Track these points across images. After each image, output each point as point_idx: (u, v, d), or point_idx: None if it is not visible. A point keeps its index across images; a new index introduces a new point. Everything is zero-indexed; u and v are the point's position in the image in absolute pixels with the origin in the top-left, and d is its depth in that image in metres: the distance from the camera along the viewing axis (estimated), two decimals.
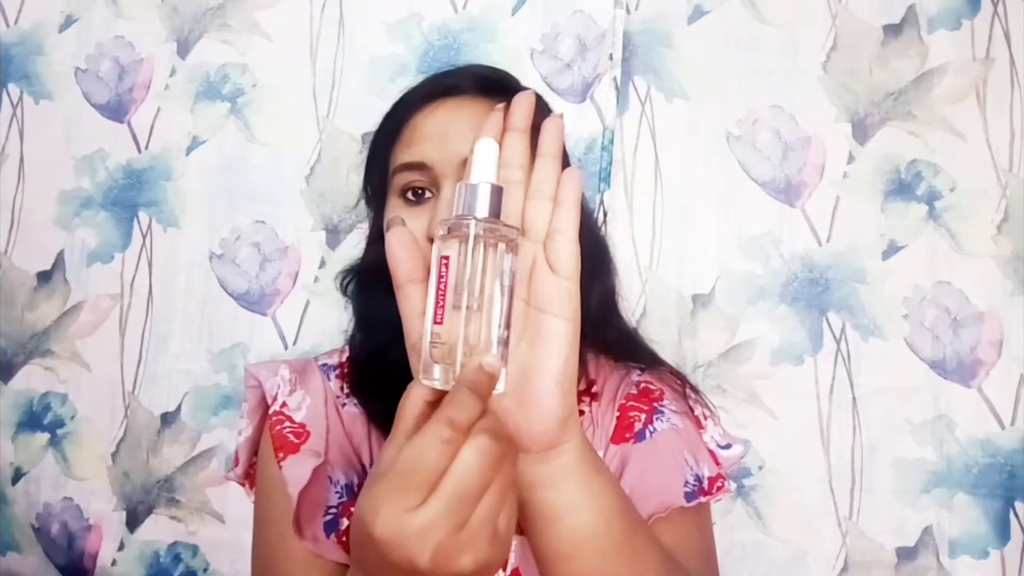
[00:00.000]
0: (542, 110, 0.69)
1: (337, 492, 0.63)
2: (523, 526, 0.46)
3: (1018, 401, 1.01)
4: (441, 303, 0.39)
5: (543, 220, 0.43)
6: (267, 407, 0.67)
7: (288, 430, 0.65)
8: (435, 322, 0.40)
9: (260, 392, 0.68)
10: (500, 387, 0.40)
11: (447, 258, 0.39)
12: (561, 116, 0.47)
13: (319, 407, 0.67)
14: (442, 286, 0.39)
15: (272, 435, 0.65)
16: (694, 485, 0.62)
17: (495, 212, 0.41)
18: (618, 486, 0.48)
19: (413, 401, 0.41)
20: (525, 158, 0.45)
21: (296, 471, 0.61)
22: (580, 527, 0.43)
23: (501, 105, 0.47)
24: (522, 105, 0.45)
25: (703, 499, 0.62)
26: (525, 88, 0.68)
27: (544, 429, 0.43)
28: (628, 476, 0.62)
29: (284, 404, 0.67)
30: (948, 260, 1.04)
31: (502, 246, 0.41)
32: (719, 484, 0.64)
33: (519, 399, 0.43)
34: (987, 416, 1.02)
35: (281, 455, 0.63)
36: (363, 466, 0.66)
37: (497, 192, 0.41)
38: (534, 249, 0.44)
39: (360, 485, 0.64)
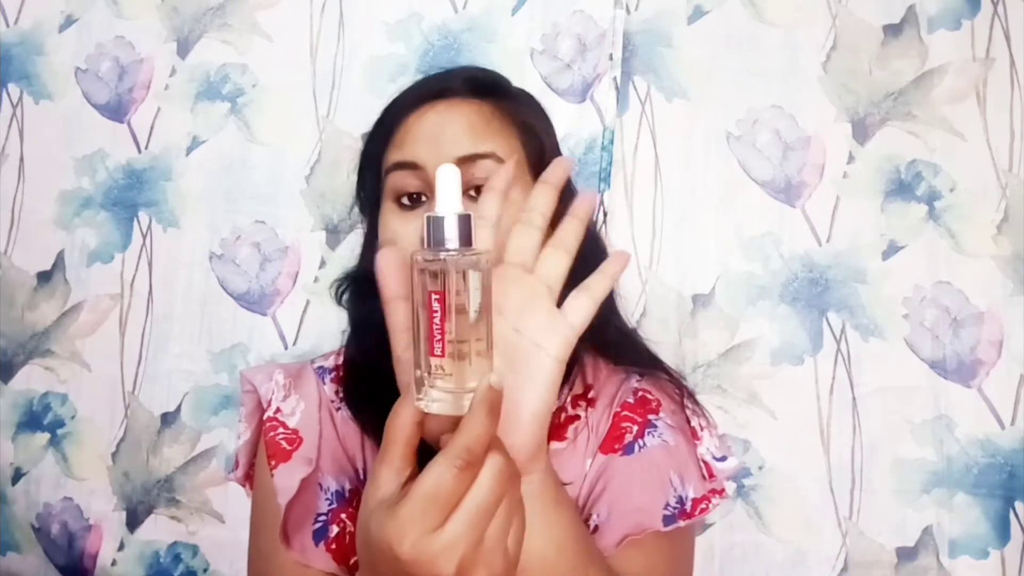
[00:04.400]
0: (541, 114, 0.69)
1: (327, 499, 0.63)
2: None
3: (1018, 401, 1.01)
4: (439, 337, 0.41)
5: (529, 245, 0.46)
6: (263, 411, 0.67)
7: (281, 436, 0.65)
8: (434, 355, 0.41)
9: (256, 396, 0.68)
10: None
11: (440, 293, 0.41)
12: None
13: (312, 412, 0.67)
14: (436, 320, 0.41)
15: (265, 442, 0.65)
16: (675, 508, 0.61)
17: (466, 240, 0.42)
18: (577, 518, 0.49)
19: (403, 422, 0.41)
20: (549, 209, 0.47)
21: (286, 481, 0.61)
22: (528, 550, 0.43)
23: (512, 160, 0.51)
24: (560, 169, 0.48)
25: (682, 523, 0.60)
26: (517, 89, 0.69)
27: (514, 457, 0.43)
28: (610, 491, 0.61)
29: (278, 410, 0.66)
30: (948, 260, 1.04)
31: (476, 271, 0.42)
32: (703, 506, 0.62)
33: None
34: (987, 416, 1.02)
35: (273, 463, 0.63)
36: (356, 471, 0.65)
37: (465, 220, 0.43)
38: (528, 278, 0.46)
39: (352, 491, 0.64)
